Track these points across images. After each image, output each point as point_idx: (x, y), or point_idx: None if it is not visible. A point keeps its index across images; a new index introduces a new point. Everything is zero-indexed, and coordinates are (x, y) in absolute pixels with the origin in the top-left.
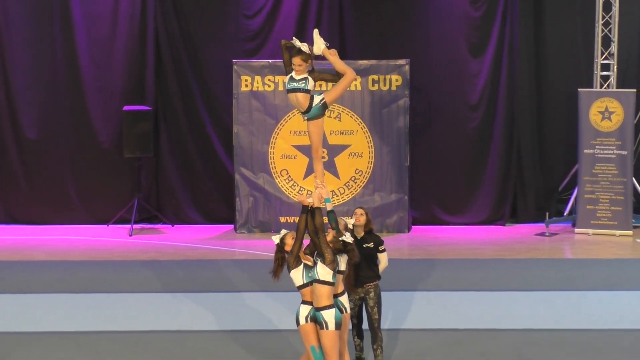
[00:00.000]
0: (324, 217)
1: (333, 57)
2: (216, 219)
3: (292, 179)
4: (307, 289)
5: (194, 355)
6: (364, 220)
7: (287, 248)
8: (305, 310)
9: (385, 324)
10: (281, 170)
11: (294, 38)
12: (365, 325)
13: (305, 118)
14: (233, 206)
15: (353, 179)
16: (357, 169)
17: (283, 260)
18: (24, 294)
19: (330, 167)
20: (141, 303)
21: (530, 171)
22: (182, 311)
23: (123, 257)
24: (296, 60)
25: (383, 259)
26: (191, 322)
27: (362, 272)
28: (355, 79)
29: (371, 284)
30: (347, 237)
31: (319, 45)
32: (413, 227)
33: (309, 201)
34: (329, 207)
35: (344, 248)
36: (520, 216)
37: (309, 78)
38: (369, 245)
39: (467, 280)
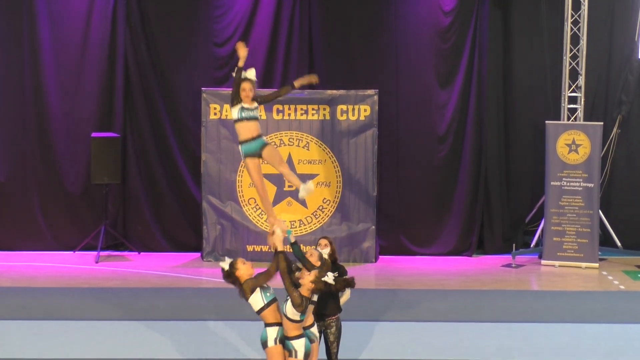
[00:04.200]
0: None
1: None
2: (183, 247)
3: (259, 208)
4: (268, 310)
5: None
6: (328, 251)
7: (239, 273)
8: (273, 332)
9: (346, 354)
10: (249, 199)
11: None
12: (321, 355)
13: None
14: (200, 234)
15: (321, 208)
16: (324, 199)
17: (236, 284)
18: None
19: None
20: (107, 331)
21: (498, 202)
22: (147, 339)
23: (89, 284)
24: (247, 86)
25: (346, 291)
26: (157, 350)
27: (323, 305)
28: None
29: (332, 317)
30: (329, 278)
31: None
32: (380, 257)
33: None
34: (291, 238)
35: (325, 288)
36: (487, 247)
37: (257, 105)
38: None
39: (434, 311)
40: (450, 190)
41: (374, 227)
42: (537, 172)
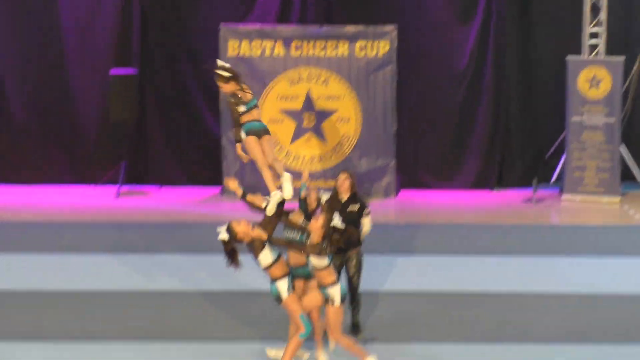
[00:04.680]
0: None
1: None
2: (203, 182)
3: (279, 143)
4: (276, 265)
5: (178, 316)
6: (348, 185)
7: (241, 235)
8: (283, 284)
9: (368, 287)
10: None
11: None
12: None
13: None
14: (220, 169)
15: (340, 143)
16: (344, 134)
17: (235, 251)
18: (10, 254)
19: (317, 132)
20: (127, 264)
21: (518, 137)
22: (166, 272)
23: (109, 218)
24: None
25: (366, 224)
26: (176, 283)
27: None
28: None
29: (353, 250)
30: (337, 222)
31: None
32: (400, 191)
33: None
34: (302, 193)
35: (332, 232)
36: (508, 182)
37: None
38: (353, 209)
39: (453, 245)
40: (471, 125)
41: (393, 162)
42: (557, 107)
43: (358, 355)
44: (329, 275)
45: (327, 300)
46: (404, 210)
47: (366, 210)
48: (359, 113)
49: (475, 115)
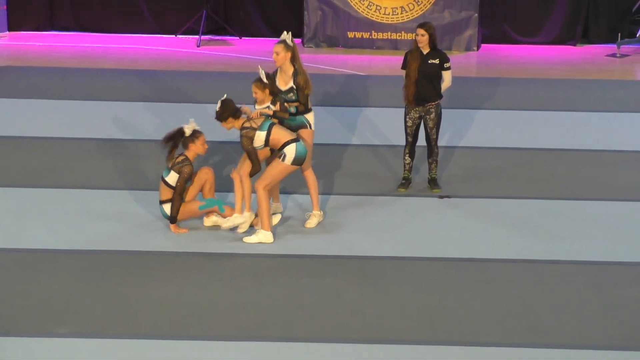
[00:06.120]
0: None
1: None
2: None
3: None
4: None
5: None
6: (425, 40)
7: (192, 146)
8: (167, 208)
9: (446, 141)
10: None
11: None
12: (420, 142)
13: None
14: (301, 20)
15: None
16: None
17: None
18: (92, 101)
19: None
20: (209, 113)
21: None
22: None
23: (190, 67)
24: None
25: (447, 77)
26: None
27: (423, 91)
28: None
29: (432, 103)
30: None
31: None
32: (483, 45)
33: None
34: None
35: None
36: (592, 37)
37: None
38: (434, 61)
39: (535, 100)
40: None
41: (476, 14)
42: None
43: (264, 223)
44: (289, 135)
45: (280, 157)
46: (485, 63)
47: (447, 64)
48: None
49: None
